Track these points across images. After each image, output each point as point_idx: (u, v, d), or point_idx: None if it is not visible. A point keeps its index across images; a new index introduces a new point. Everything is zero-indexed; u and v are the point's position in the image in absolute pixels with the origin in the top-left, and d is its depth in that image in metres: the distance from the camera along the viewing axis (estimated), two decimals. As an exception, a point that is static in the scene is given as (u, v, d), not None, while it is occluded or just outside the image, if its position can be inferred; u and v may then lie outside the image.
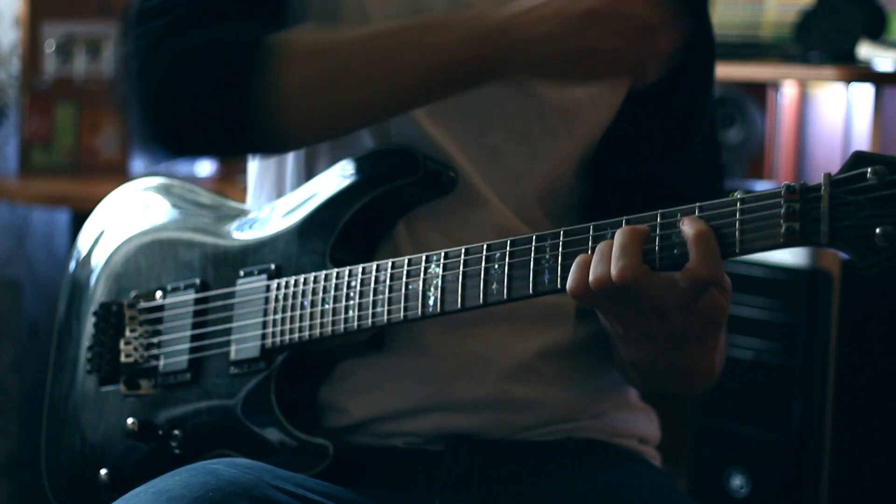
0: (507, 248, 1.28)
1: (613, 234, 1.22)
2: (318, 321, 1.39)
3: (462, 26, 1.31)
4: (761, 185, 3.12)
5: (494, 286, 1.29)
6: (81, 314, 1.58)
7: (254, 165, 1.55)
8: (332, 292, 1.38)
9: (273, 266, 1.44)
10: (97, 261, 1.59)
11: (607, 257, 1.21)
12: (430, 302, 1.32)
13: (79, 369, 1.56)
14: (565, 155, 1.46)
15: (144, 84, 1.38)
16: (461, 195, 1.42)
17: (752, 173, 3.33)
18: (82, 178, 3.47)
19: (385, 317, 1.35)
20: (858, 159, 1.14)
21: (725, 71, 2.86)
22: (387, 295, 1.35)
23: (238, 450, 1.44)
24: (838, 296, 2.62)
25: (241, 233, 1.49)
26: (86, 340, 1.56)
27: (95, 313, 1.55)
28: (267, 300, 1.43)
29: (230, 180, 3.47)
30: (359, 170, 1.42)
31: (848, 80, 2.92)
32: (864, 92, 3.15)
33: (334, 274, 1.39)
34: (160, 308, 1.51)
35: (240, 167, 3.30)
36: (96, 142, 3.58)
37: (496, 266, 1.29)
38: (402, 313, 1.34)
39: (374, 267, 1.36)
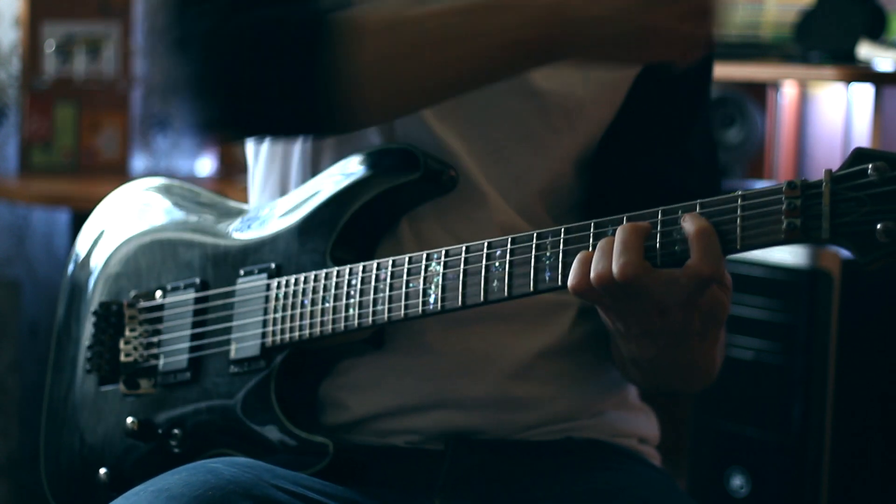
0: (508, 246, 1.28)
1: (614, 231, 1.22)
2: (319, 320, 1.39)
3: (524, 8, 1.30)
4: (761, 185, 3.11)
5: (495, 284, 1.29)
6: (81, 314, 1.58)
7: (261, 161, 1.55)
8: (333, 291, 1.38)
9: (273, 265, 1.44)
10: (97, 261, 1.59)
11: (609, 254, 1.21)
12: (431, 300, 1.32)
13: (78, 369, 1.56)
14: (567, 153, 1.46)
15: (210, 64, 1.35)
16: (465, 193, 1.42)
17: (752, 173, 3.34)
18: (82, 178, 3.47)
19: (385, 315, 1.35)
20: (859, 156, 1.14)
21: (725, 71, 2.86)
22: (387, 293, 1.35)
23: (238, 449, 1.44)
24: (838, 296, 2.62)
25: (241, 232, 1.49)
26: (85, 340, 1.56)
27: (95, 313, 1.55)
28: (267, 299, 1.43)
29: (230, 180, 3.47)
30: (359, 169, 1.42)
31: (848, 80, 2.92)
32: (864, 92, 3.15)
33: (335, 272, 1.39)
34: (160, 307, 1.51)
35: (240, 167, 3.31)
36: (96, 142, 3.58)
37: (497, 264, 1.29)
38: (402, 311, 1.34)
39: (375, 265, 1.36)
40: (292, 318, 1.41)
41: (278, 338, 1.41)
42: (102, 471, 1.51)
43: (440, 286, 1.32)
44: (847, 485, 2.66)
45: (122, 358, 1.52)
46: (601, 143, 1.47)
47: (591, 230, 1.24)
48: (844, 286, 2.61)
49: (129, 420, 1.48)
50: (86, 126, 3.57)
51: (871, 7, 2.93)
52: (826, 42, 2.92)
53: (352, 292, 1.37)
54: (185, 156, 3.73)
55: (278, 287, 1.42)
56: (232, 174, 3.54)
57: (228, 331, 1.45)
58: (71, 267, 1.62)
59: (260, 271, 1.44)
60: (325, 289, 1.39)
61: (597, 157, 1.48)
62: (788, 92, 3.35)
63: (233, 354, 1.44)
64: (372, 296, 1.36)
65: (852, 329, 2.63)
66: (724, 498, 2.76)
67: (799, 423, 2.65)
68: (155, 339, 1.50)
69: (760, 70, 2.99)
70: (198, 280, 1.49)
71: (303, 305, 1.40)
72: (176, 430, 1.47)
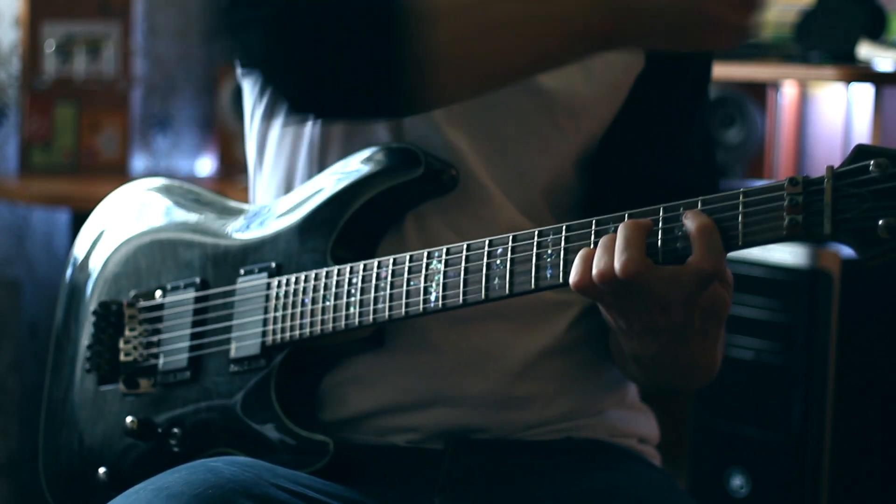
0: (510, 244, 1.28)
1: (616, 228, 1.22)
2: (319, 318, 1.39)
3: None
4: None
5: (496, 281, 1.28)
6: (80, 314, 1.58)
7: (267, 158, 1.54)
8: (333, 289, 1.38)
9: (274, 264, 1.44)
10: (96, 261, 1.59)
11: (610, 251, 1.21)
12: (432, 298, 1.32)
13: (77, 369, 1.56)
14: (570, 151, 1.46)
15: (282, 47, 1.33)
16: (470, 190, 1.42)
17: (752, 173, 3.33)
18: (82, 178, 3.47)
19: (386, 313, 1.35)
20: (860, 152, 1.14)
21: (725, 71, 2.86)
22: (388, 291, 1.35)
23: (238, 447, 1.44)
24: (838, 296, 2.62)
25: (242, 232, 1.49)
26: (85, 340, 1.56)
27: (95, 312, 1.55)
28: (267, 298, 1.43)
29: (230, 180, 3.48)
30: (360, 167, 1.42)
31: (848, 80, 2.91)
32: (864, 92, 3.15)
33: (335, 271, 1.39)
34: (160, 307, 1.51)
35: (239, 167, 3.31)
36: (96, 142, 3.57)
37: (498, 261, 1.29)
38: (403, 310, 1.34)
39: (376, 264, 1.36)
40: (293, 316, 1.41)
41: (278, 336, 1.41)
42: (102, 470, 1.51)
43: (441, 284, 1.32)
44: (847, 485, 2.66)
45: (122, 357, 1.52)
46: (602, 142, 1.48)
47: (593, 227, 1.24)
48: (844, 286, 2.61)
49: (129, 419, 1.48)
50: (86, 126, 3.56)
51: (871, 7, 2.93)
52: (826, 42, 2.92)
53: (352, 291, 1.37)
54: (185, 156, 3.73)
55: (279, 286, 1.42)
56: (232, 174, 3.54)
57: (228, 330, 1.45)
58: (70, 267, 1.62)
59: (260, 270, 1.44)
60: (326, 287, 1.39)
61: (597, 155, 1.48)
62: (788, 92, 3.35)
63: (233, 353, 1.44)
64: (373, 294, 1.36)
65: (852, 329, 2.63)
66: (724, 498, 2.76)
67: (799, 423, 2.65)
68: (155, 339, 1.50)
69: (760, 70, 2.98)
70: (198, 279, 1.49)
71: (303, 304, 1.40)
72: (175, 430, 1.47)
